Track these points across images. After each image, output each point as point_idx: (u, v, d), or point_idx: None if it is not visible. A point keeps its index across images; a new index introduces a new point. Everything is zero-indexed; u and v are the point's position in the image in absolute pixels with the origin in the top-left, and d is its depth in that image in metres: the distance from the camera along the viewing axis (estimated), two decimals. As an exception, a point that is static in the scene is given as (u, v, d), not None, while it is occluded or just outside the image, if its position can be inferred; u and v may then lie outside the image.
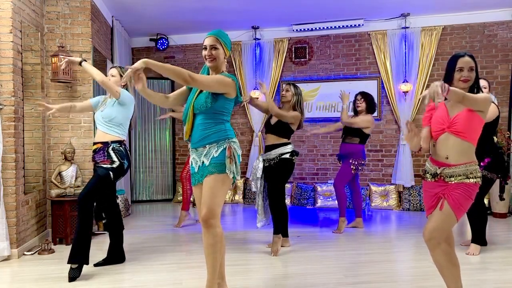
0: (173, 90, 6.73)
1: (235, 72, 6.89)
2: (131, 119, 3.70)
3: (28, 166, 4.35)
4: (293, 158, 4.03)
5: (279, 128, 4.06)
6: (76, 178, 4.56)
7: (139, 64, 2.31)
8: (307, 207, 6.47)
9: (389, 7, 5.95)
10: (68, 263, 3.26)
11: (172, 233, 4.94)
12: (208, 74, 2.71)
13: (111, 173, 3.43)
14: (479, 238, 3.93)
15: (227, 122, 2.69)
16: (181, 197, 5.29)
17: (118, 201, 4.75)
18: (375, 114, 5.33)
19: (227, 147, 2.60)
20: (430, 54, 6.23)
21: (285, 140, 4.06)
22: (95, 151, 3.52)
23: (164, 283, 3.22)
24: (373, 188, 6.38)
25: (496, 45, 6.13)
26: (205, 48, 2.64)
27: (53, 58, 4.43)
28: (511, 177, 5.07)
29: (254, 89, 6.69)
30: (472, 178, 2.39)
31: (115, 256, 3.67)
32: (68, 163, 4.54)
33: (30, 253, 3.98)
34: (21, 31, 4.04)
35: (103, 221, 4.56)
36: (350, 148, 4.84)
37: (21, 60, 4.07)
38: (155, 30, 6.87)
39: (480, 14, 6.11)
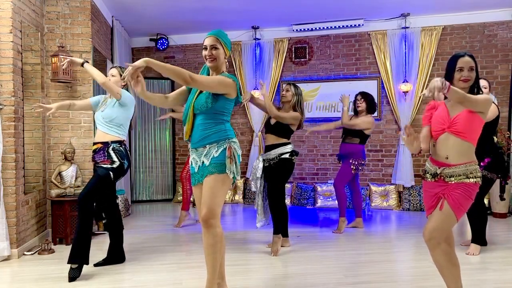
0: (173, 90, 6.71)
1: (235, 72, 6.88)
2: (131, 119, 3.70)
3: (28, 166, 4.35)
4: (293, 158, 4.03)
5: (279, 128, 4.06)
6: (76, 178, 4.56)
7: (140, 62, 2.30)
8: (307, 207, 6.47)
9: (389, 7, 5.95)
10: (68, 263, 3.26)
11: (172, 233, 4.94)
12: (208, 74, 2.71)
13: (111, 173, 3.43)
14: (479, 238, 3.93)
15: (227, 122, 2.69)
16: (181, 197, 5.29)
17: (118, 201, 4.75)
18: (375, 114, 5.33)
19: (227, 147, 2.59)
20: (430, 54, 6.23)
21: (285, 140, 4.06)
22: (95, 151, 3.52)
23: (164, 283, 3.22)
24: (373, 188, 6.38)
25: (496, 45, 6.13)
26: (205, 48, 2.64)
27: (53, 58, 4.43)
28: (511, 177, 5.07)
29: (254, 89, 6.68)
30: (472, 178, 2.40)
31: (115, 256, 3.67)
32: (68, 163, 4.54)
33: (30, 253, 3.98)
34: (21, 31, 4.04)
35: (103, 221, 4.57)
36: (350, 148, 4.84)
37: (21, 60, 4.07)
38: (155, 30, 6.87)
39: (480, 14, 6.11)
